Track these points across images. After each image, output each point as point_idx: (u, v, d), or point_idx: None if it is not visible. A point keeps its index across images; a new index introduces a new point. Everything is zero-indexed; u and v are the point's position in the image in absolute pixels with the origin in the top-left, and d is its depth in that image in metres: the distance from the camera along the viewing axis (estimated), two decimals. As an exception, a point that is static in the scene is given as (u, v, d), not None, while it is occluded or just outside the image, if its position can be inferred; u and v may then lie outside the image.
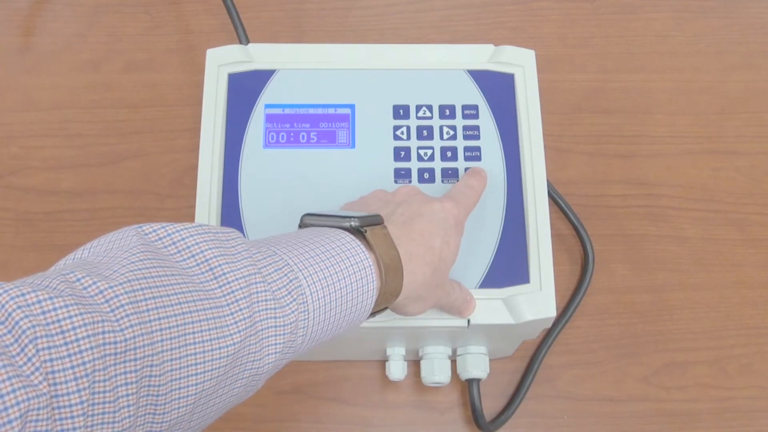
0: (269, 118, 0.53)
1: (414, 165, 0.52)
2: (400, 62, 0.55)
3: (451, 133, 0.53)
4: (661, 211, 0.67)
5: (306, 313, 0.35)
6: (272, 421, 0.60)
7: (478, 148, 0.53)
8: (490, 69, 0.55)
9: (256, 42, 0.56)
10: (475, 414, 0.57)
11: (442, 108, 0.54)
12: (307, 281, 0.35)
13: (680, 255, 0.65)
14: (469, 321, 0.48)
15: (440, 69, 0.55)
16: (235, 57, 0.54)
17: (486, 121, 0.53)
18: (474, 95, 0.54)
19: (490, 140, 0.53)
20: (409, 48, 0.56)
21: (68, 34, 0.72)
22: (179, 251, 0.33)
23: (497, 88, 0.54)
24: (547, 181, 0.58)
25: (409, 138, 0.53)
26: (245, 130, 0.53)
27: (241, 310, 0.32)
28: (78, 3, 0.74)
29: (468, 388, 0.57)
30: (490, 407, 0.60)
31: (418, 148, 0.53)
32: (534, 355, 0.61)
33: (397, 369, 0.55)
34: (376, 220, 0.41)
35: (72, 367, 0.26)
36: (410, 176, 0.52)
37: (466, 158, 0.52)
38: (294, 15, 0.74)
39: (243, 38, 0.62)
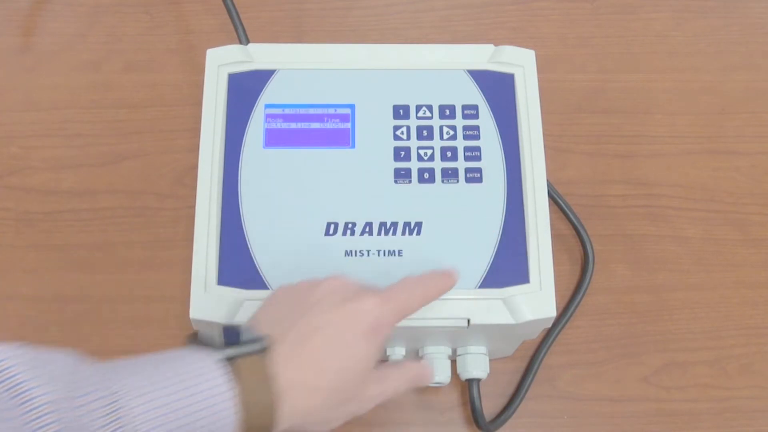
0: (269, 118, 0.53)
1: (414, 165, 0.52)
2: (400, 62, 0.55)
3: (451, 133, 0.53)
4: (661, 211, 0.67)
5: None
6: (272, 421, 0.60)
7: (478, 148, 0.53)
8: (490, 69, 0.55)
9: (256, 42, 0.56)
10: (475, 414, 0.57)
11: (442, 108, 0.54)
12: (139, 409, 0.33)
13: (680, 255, 0.65)
14: (469, 321, 0.48)
15: (440, 69, 0.55)
16: (235, 57, 0.54)
17: (486, 121, 0.53)
18: (474, 95, 0.54)
19: (490, 140, 0.53)
20: (409, 48, 0.56)
21: (68, 34, 0.72)
22: None
23: (497, 88, 0.54)
24: (547, 181, 0.58)
25: (409, 138, 0.53)
26: (245, 130, 0.53)
27: None
28: (78, 3, 0.74)
29: (468, 388, 0.57)
30: (490, 407, 0.60)
31: (418, 148, 0.53)
32: (534, 355, 0.61)
33: (397, 369, 0.55)
34: (254, 349, 0.38)
35: None
36: (410, 176, 0.52)
37: (466, 158, 0.52)
38: (294, 15, 0.74)
39: (243, 38, 0.62)
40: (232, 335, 0.39)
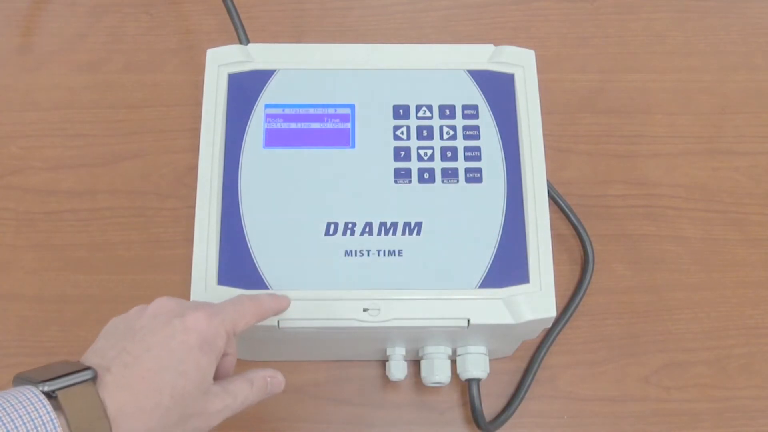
0: (269, 118, 0.53)
1: (414, 165, 0.52)
2: (400, 62, 0.55)
3: (451, 133, 0.53)
4: (661, 211, 0.67)
5: None
6: (272, 421, 0.60)
7: (478, 148, 0.53)
8: (490, 69, 0.55)
9: (256, 42, 0.56)
10: (475, 414, 0.57)
11: (442, 108, 0.54)
12: None
13: (680, 255, 0.65)
14: (469, 321, 0.48)
15: (440, 69, 0.55)
16: (235, 57, 0.54)
17: (486, 121, 0.53)
18: (474, 95, 0.54)
19: (490, 140, 0.53)
20: (409, 48, 0.56)
21: (68, 34, 0.72)
22: None
23: (497, 88, 0.54)
24: (547, 181, 0.58)
25: (409, 138, 0.53)
26: (245, 130, 0.53)
27: None
28: (78, 3, 0.74)
29: (468, 388, 0.57)
30: (490, 407, 0.60)
31: (418, 148, 0.53)
32: (534, 355, 0.61)
33: (397, 369, 0.55)
34: (78, 378, 0.37)
35: None
36: (410, 176, 0.52)
37: (466, 158, 0.52)
38: (294, 15, 0.74)
39: (243, 38, 0.62)
40: (55, 369, 0.39)
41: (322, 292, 0.49)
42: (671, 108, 0.71)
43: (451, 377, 0.56)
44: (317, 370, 0.61)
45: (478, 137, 0.53)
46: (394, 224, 0.51)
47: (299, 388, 0.61)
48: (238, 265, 0.49)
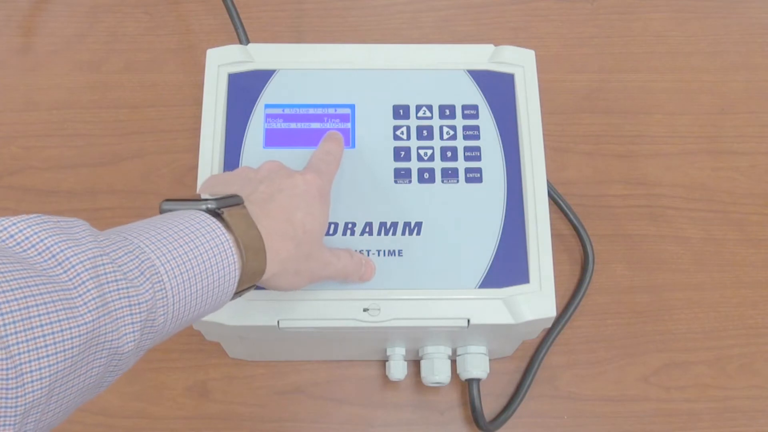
0: (269, 118, 0.53)
1: (414, 165, 0.52)
2: (400, 62, 0.55)
3: (451, 133, 0.53)
4: (661, 211, 0.67)
5: (163, 291, 0.35)
6: (272, 421, 0.60)
7: (478, 148, 0.53)
8: (490, 69, 0.55)
9: (256, 42, 0.56)
10: (475, 414, 0.57)
11: (442, 108, 0.54)
12: (161, 260, 0.35)
13: (680, 255, 0.65)
14: (469, 321, 0.48)
15: (440, 69, 0.55)
16: (235, 57, 0.54)
17: (486, 121, 0.53)
18: (474, 95, 0.54)
19: (490, 140, 0.53)
20: (409, 48, 0.56)
21: (68, 34, 0.72)
22: (18, 243, 0.33)
23: (497, 88, 0.54)
24: (547, 181, 0.58)
25: (409, 138, 0.53)
26: (245, 130, 0.53)
27: (89, 291, 0.32)
28: (78, 3, 0.74)
29: (468, 388, 0.57)
30: (490, 407, 0.60)
31: (418, 148, 0.53)
32: (534, 355, 0.61)
33: (397, 369, 0.55)
34: (234, 201, 0.41)
35: None
36: (410, 176, 0.52)
37: (466, 158, 0.52)
38: (294, 15, 0.74)
39: (243, 38, 0.62)
40: (204, 197, 0.42)
41: (322, 292, 0.49)
42: (671, 108, 0.71)
43: (451, 377, 0.56)
44: (317, 370, 0.61)
45: (478, 137, 0.53)
46: (394, 224, 0.51)
47: (299, 388, 0.61)
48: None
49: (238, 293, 0.40)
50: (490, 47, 0.56)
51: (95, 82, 0.70)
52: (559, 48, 0.73)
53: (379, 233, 0.50)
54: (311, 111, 0.54)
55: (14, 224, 0.33)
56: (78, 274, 0.32)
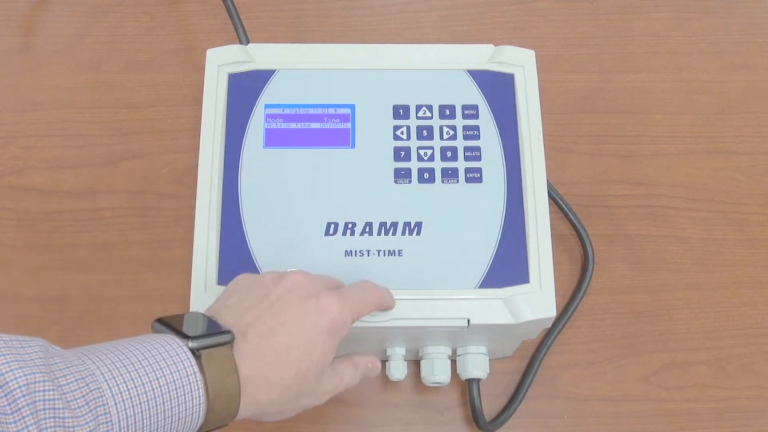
0: (269, 118, 0.53)
1: (414, 165, 0.52)
2: (400, 62, 0.55)
3: (451, 133, 0.53)
4: (661, 211, 0.67)
5: (109, 424, 0.33)
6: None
7: (478, 148, 0.53)
8: (490, 69, 0.55)
9: (256, 42, 0.56)
10: (475, 414, 0.57)
11: (442, 108, 0.54)
12: (112, 391, 0.34)
13: (680, 255, 0.65)
14: (469, 321, 0.48)
15: (440, 69, 0.55)
16: (235, 57, 0.54)
17: (486, 121, 0.53)
18: (474, 95, 0.54)
19: (490, 140, 0.53)
20: (409, 48, 0.56)
21: (68, 34, 0.72)
22: None
23: (497, 88, 0.54)
24: (547, 181, 0.58)
25: (409, 138, 0.53)
26: (245, 130, 0.53)
27: (24, 418, 0.31)
28: (78, 3, 0.74)
29: (468, 388, 0.57)
30: (490, 407, 0.60)
31: (418, 148, 0.53)
32: (534, 355, 0.61)
33: (397, 369, 0.55)
34: (220, 341, 0.38)
35: None
36: (410, 176, 0.52)
37: (466, 158, 0.52)
38: (294, 15, 0.74)
39: (243, 38, 0.62)
40: (196, 322, 0.40)
41: (322, 292, 0.49)
42: (671, 108, 0.71)
43: (451, 377, 0.56)
44: (317, 370, 0.61)
45: (478, 137, 0.53)
46: (394, 224, 0.51)
47: (299, 388, 0.61)
48: (238, 265, 0.49)
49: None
50: (490, 47, 0.56)
51: (95, 82, 0.70)
52: (559, 48, 0.73)
53: (379, 233, 0.50)
54: (311, 111, 0.54)
55: None
56: (15, 400, 0.31)
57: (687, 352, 0.62)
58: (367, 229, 0.50)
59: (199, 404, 0.36)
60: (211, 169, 0.51)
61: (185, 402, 0.36)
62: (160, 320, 0.40)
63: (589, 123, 0.70)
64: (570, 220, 0.64)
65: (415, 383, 0.61)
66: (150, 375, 0.35)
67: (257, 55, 0.55)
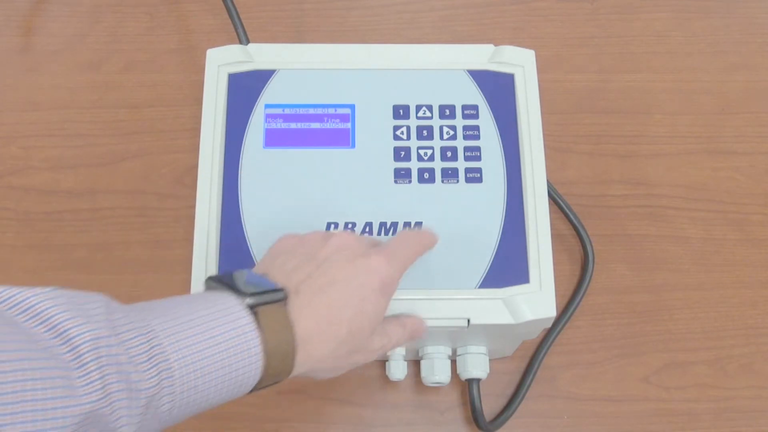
0: (269, 118, 0.53)
1: (414, 165, 0.52)
2: (400, 62, 0.55)
3: (451, 133, 0.53)
4: (661, 211, 0.67)
5: (171, 380, 0.34)
6: (272, 421, 0.60)
7: (478, 148, 0.53)
8: (490, 69, 0.55)
9: (256, 42, 0.56)
10: (475, 414, 0.57)
11: (442, 108, 0.54)
12: (173, 348, 0.34)
13: (680, 255, 0.65)
14: (469, 321, 0.48)
15: (440, 69, 0.55)
16: (235, 57, 0.54)
17: (486, 121, 0.53)
18: (474, 95, 0.54)
19: (490, 140, 0.53)
20: (409, 48, 0.56)
21: (68, 34, 0.72)
22: (30, 318, 0.32)
23: (497, 88, 0.54)
24: (547, 181, 0.58)
25: (409, 138, 0.53)
26: (245, 130, 0.53)
27: (90, 372, 0.31)
28: (78, 3, 0.74)
29: (468, 388, 0.57)
30: (490, 407, 0.60)
31: (418, 148, 0.53)
32: (534, 355, 0.61)
33: (397, 369, 0.55)
34: (275, 297, 0.39)
35: None
36: (410, 176, 0.52)
37: (466, 158, 0.52)
38: (294, 15, 0.74)
39: (243, 38, 0.62)
40: (250, 280, 0.40)
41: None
42: (671, 108, 0.71)
43: (451, 377, 0.56)
44: (317, 370, 0.61)
45: (478, 137, 0.53)
46: (394, 224, 0.51)
47: (299, 388, 0.61)
48: (238, 265, 0.49)
49: (258, 388, 0.39)
50: (490, 47, 0.56)
51: (95, 82, 0.70)
52: (559, 48, 0.73)
53: (379, 233, 0.50)
54: (311, 111, 0.54)
55: (27, 298, 0.32)
56: (81, 355, 0.31)
57: (687, 352, 0.62)
58: (367, 229, 0.50)
59: (257, 361, 0.37)
60: (211, 169, 0.51)
61: (243, 359, 0.36)
62: (213, 278, 0.41)
63: (589, 123, 0.70)
64: (570, 220, 0.64)
65: (415, 383, 0.61)
66: (209, 332, 0.35)
67: (257, 55, 0.55)
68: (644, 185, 0.68)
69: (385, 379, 0.60)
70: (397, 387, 0.61)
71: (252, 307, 0.38)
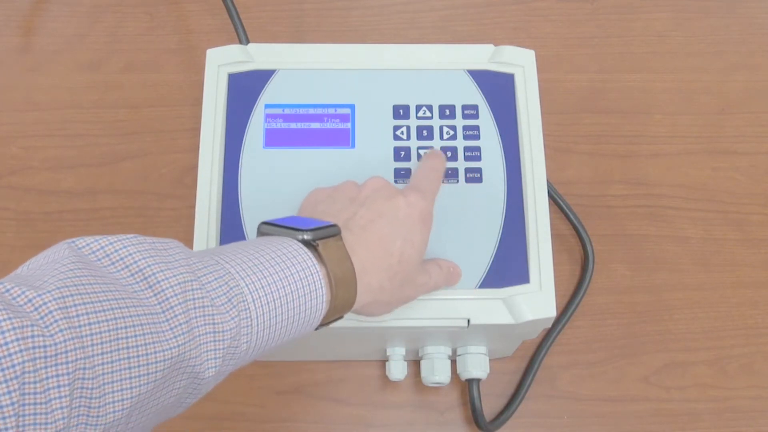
0: (269, 118, 0.53)
1: (414, 165, 0.52)
2: (400, 62, 0.55)
3: (451, 133, 0.53)
4: (661, 211, 0.67)
5: (249, 320, 0.35)
6: (272, 421, 0.60)
7: (478, 148, 0.53)
8: (490, 69, 0.55)
9: (256, 42, 0.56)
10: (475, 414, 0.57)
11: (442, 108, 0.54)
12: (249, 288, 0.35)
13: (680, 255, 0.65)
14: (469, 321, 0.48)
15: (440, 69, 0.55)
16: (235, 57, 0.54)
17: (486, 121, 0.53)
18: (474, 95, 0.54)
19: (490, 140, 0.53)
20: (409, 48, 0.56)
21: (68, 34, 0.72)
22: (113, 263, 0.33)
23: (497, 88, 0.54)
24: (547, 181, 0.58)
25: (409, 138, 0.53)
26: (245, 130, 0.53)
27: (176, 316, 0.32)
28: (78, 3, 0.74)
29: (468, 388, 0.57)
30: (490, 407, 0.60)
31: (418, 148, 0.53)
32: (534, 355, 0.61)
33: (397, 369, 0.55)
34: (331, 232, 0.41)
35: (1, 370, 0.27)
36: (410, 176, 0.52)
37: (466, 158, 0.52)
38: (294, 15, 0.74)
39: (243, 38, 0.62)
40: (301, 221, 0.42)
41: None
42: (671, 108, 0.71)
43: (451, 377, 0.56)
44: (317, 370, 0.61)
45: (478, 137, 0.53)
46: (394, 224, 0.51)
47: (299, 388, 0.61)
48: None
49: (324, 324, 0.40)
50: (490, 47, 0.56)
51: (95, 82, 0.70)
52: (559, 48, 0.73)
53: (379, 233, 0.50)
54: (311, 111, 0.54)
55: (111, 243, 0.34)
56: (167, 299, 0.32)
57: (687, 352, 0.62)
58: (367, 229, 0.50)
59: (323, 294, 0.38)
60: (211, 169, 0.51)
61: (311, 291, 0.38)
62: (266, 222, 0.42)
63: (589, 123, 0.70)
64: (570, 220, 0.64)
65: (415, 383, 0.61)
66: (279, 273, 0.37)
67: (257, 55, 0.55)
68: (644, 185, 0.68)
69: (385, 379, 0.60)
70: (397, 387, 0.61)
71: (311, 243, 0.39)
